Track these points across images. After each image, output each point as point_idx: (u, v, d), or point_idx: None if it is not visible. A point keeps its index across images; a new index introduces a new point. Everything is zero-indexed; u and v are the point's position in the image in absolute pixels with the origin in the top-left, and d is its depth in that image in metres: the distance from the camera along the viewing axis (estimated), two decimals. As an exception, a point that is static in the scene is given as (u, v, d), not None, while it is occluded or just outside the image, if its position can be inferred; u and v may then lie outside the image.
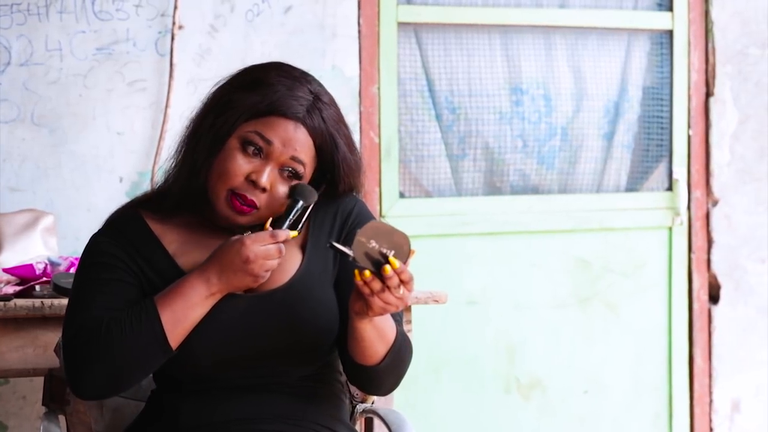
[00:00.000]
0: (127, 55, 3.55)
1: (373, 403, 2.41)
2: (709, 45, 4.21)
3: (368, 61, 3.83)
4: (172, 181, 2.10)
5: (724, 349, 4.23)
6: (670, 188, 4.22)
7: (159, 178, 2.18)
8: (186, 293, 1.98)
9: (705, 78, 4.22)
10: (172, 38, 3.58)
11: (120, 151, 3.56)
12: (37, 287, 2.89)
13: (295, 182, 2.04)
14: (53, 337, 2.76)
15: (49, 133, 3.50)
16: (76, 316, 2.01)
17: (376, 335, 2.00)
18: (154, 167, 3.55)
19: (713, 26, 4.20)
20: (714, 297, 4.24)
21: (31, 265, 2.95)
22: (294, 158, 2.03)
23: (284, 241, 1.99)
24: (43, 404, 2.43)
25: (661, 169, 4.22)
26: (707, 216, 4.23)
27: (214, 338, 2.02)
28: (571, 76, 4.13)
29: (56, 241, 3.28)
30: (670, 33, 4.20)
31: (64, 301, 2.61)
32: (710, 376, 4.23)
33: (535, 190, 4.10)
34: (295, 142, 2.03)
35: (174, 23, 3.57)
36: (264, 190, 2.02)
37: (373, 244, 1.88)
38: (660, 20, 4.20)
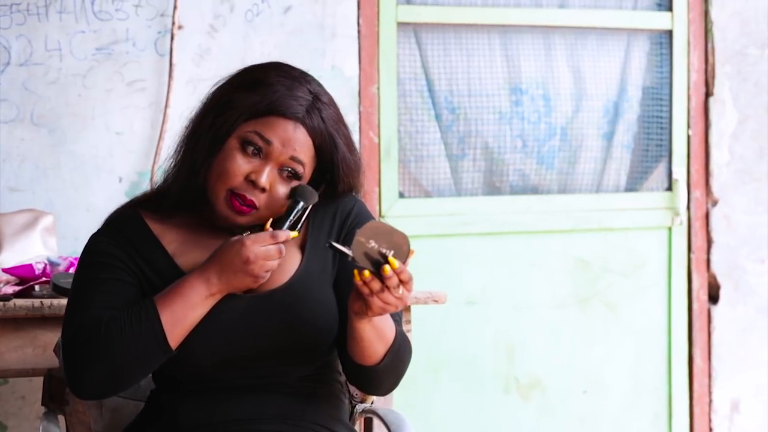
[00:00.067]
0: (126, 55, 3.55)
1: (372, 403, 2.41)
2: (709, 45, 4.21)
3: (368, 61, 3.83)
4: (172, 181, 2.10)
5: (724, 349, 4.23)
6: (669, 188, 4.22)
7: (158, 178, 2.18)
8: (186, 293, 1.98)
9: (704, 78, 4.22)
10: (172, 38, 3.58)
11: (119, 151, 3.56)
12: (37, 287, 2.89)
13: (295, 183, 2.05)
14: (52, 337, 2.76)
15: (48, 133, 3.50)
16: (75, 315, 2.01)
17: (375, 335, 2.00)
18: (153, 167, 3.55)
19: (713, 26, 4.20)
20: (713, 297, 4.24)
21: (30, 265, 2.95)
22: (293, 158, 2.03)
23: (284, 242, 1.99)
24: (42, 404, 2.43)
25: (660, 169, 4.22)
26: (707, 216, 4.23)
27: (213, 338, 2.02)
28: (570, 76, 4.13)
29: (55, 241, 3.28)
30: (670, 33, 4.20)
31: (64, 301, 2.62)
32: (710, 376, 4.23)
33: (535, 190, 4.10)
34: (295, 142, 2.03)
35: (173, 23, 3.57)
36: (263, 190, 2.02)
37: (373, 244, 1.88)
38: (659, 20, 4.20)
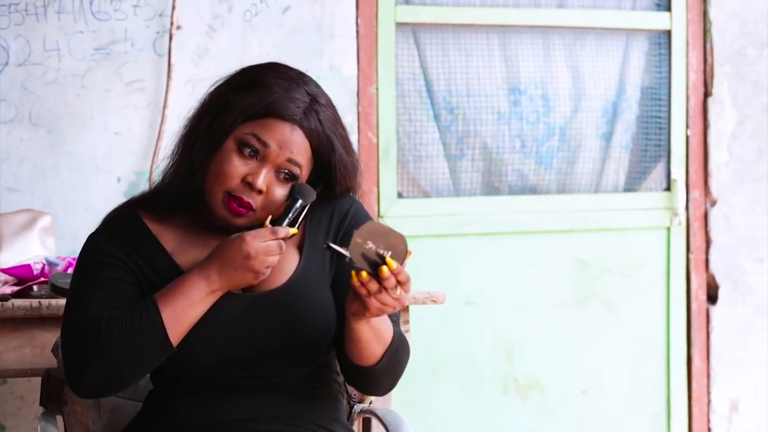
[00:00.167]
0: (125, 55, 3.55)
1: (370, 403, 2.41)
2: (708, 45, 4.21)
3: (366, 61, 3.83)
4: (169, 182, 2.10)
5: (723, 349, 4.23)
6: (668, 188, 4.22)
7: (157, 178, 2.18)
8: (186, 291, 1.99)
9: (703, 78, 4.22)
10: (170, 38, 3.58)
11: (118, 151, 3.56)
12: (35, 287, 2.89)
13: (292, 183, 2.05)
14: (51, 337, 2.76)
15: (47, 133, 3.50)
16: (74, 314, 2.01)
17: (373, 336, 2.00)
18: (152, 167, 3.55)
19: (711, 26, 4.20)
20: (712, 297, 4.24)
21: (28, 265, 2.95)
22: (290, 160, 2.03)
23: (284, 238, 1.99)
24: (40, 404, 2.43)
25: (659, 170, 4.22)
26: (705, 216, 4.23)
27: (212, 337, 2.02)
28: (569, 76, 4.13)
29: (54, 241, 3.28)
30: (669, 33, 4.20)
31: (62, 302, 2.62)
32: (708, 376, 4.23)
33: (534, 191, 4.10)
34: (292, 144, 2.03)
35: (172, 23, 3.57)
36: (260, 192, 2.02)
37: (370, 245, 1.88)
38: (658, 20, 4.20)
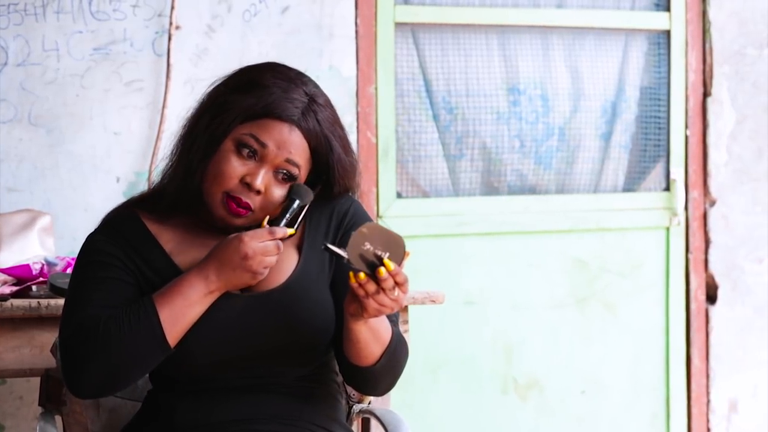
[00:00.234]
0: (124, 55, 3.55)
1: (369, 403, 2.41)
2: (707, 45, 4.21)
3: (365, 61, 3.83)
4: (168, 182, 2.10)
5: (722, 349, 4.23)
6: (667, 188, 4.22)
7: (156, 178, 2.18)
8: (184, 291, 1.99)
9: (702, 78, 4.22)
10: (169, 38, 3.58)
11: (117, 151, 3.56)
12: (34, 287, 2.89)
13: (290, 184, 2.05)
14: (50, 337, 2.76)
15: (46, 134, 3.50)
16: (73, 314, 2.01)
17: (371, 336, 2.00)
18: (151, 167, 3.55)
19: (710, 26, 4.20)
20: (711, 297, 4.24)
21: (27, 266, 2.95)
22: (289, 161, 2.03)
23: (282, 239, 1.99)
24: (39, 404, 2.43)
25: (658, 170, 4.22)
26: (704, 216, 4.23)
27: (211, 337, 2.02)
28: (568, 77, 4.13)
29: (53, 242, 3.28)
30: (668, 33, 4.20)
31: (61, 302, 2.61)
32: (707, 376, 4.23)
33: (533, 191, 4.10)
34: (290, 144, 2.03)
35: (171, 23, 3.57)
36: (258, 192, 2.02)
37: (368, 246, 1.88)
38: (657, 20, 4.20)
